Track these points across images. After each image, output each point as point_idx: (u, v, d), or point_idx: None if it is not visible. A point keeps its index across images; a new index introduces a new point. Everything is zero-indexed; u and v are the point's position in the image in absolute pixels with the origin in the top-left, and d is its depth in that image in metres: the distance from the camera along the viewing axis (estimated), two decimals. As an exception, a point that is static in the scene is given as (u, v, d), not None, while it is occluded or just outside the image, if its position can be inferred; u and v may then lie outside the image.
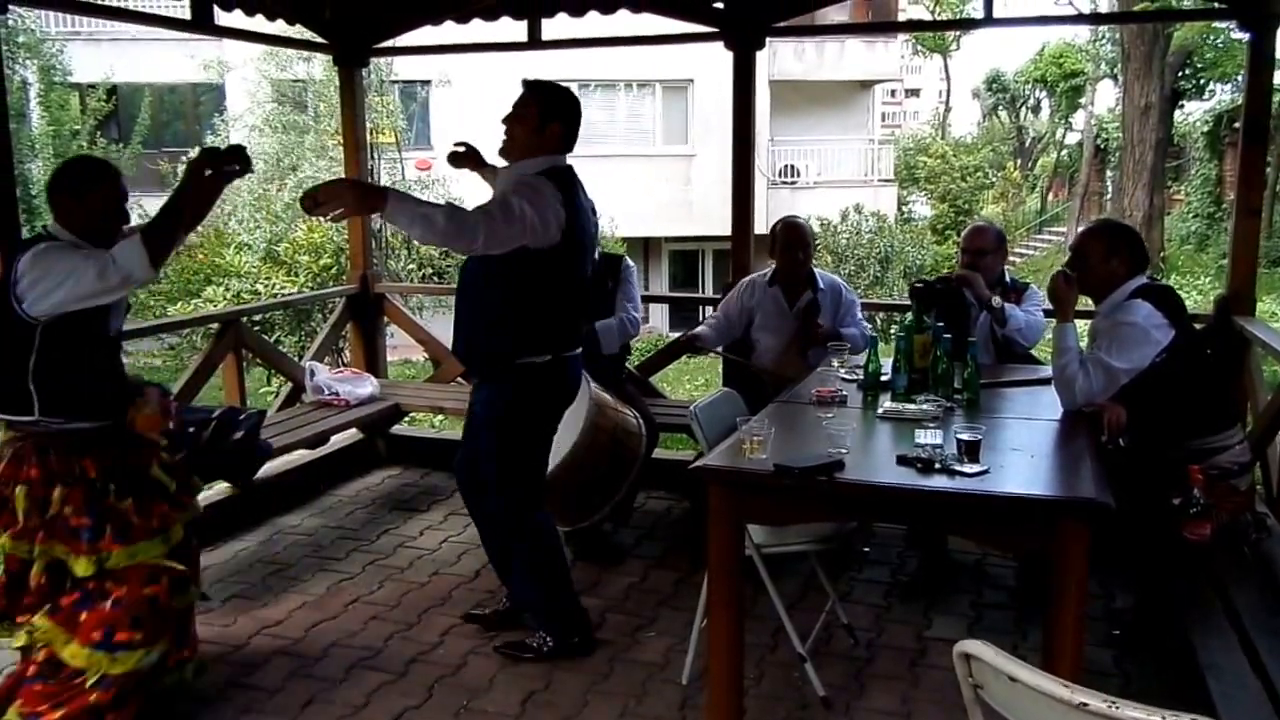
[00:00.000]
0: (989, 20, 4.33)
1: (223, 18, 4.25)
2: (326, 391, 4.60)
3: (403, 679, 2.85)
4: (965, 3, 24.43)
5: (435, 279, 10.45)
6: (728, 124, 4.56)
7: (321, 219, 3.06)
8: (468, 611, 3.19)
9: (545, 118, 2.76)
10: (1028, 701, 1.27)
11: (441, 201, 2.67)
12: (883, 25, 21.25)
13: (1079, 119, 26.37)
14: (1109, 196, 22.29)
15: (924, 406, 2.67)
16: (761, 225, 4.59)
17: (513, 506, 2.90)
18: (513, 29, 4.73)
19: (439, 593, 3.43)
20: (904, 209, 21.16)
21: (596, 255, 3.90)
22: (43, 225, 2.58)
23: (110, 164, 2.63)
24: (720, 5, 4.41)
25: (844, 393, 2.88)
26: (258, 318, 8.30)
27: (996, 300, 3.40)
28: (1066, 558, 2.01)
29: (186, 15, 4.16)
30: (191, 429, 3.52)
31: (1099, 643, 2.93)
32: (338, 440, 4.74)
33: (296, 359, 5.60)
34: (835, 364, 3.24)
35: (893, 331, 3.53)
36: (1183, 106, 19.58)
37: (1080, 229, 3.50)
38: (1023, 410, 2.82)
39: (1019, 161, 30.19)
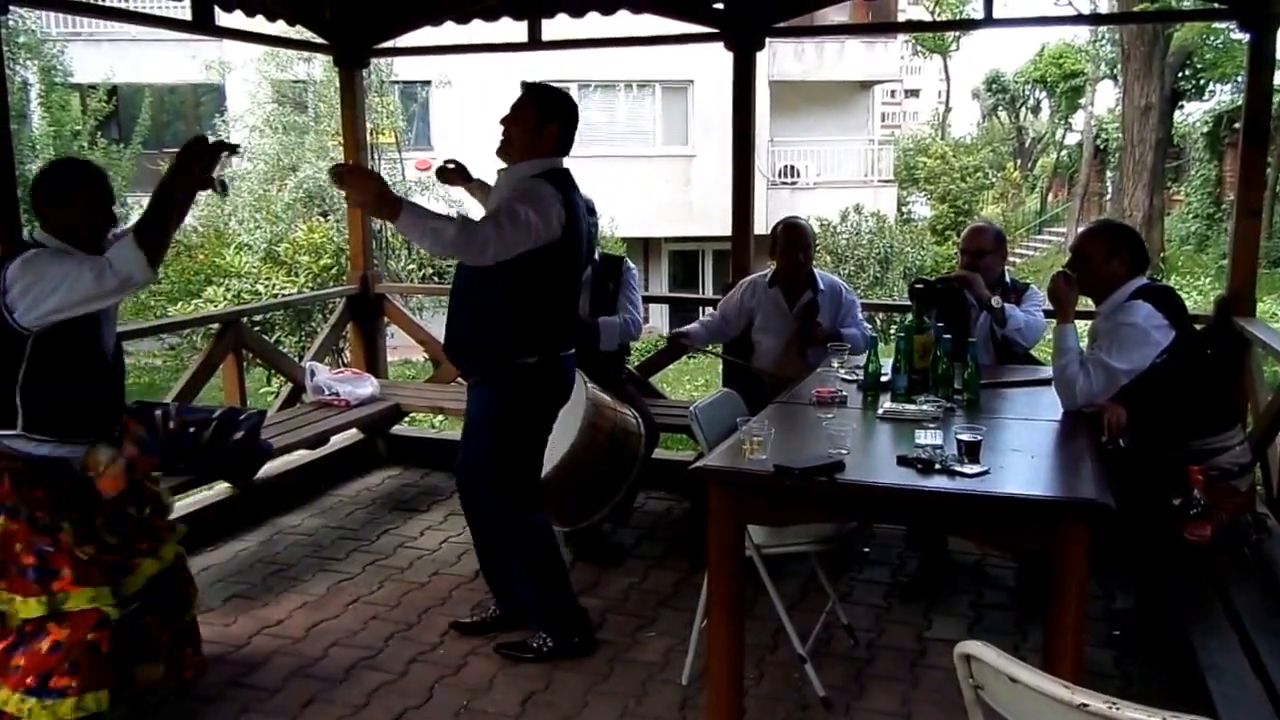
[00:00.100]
0: (989, 21, 4.33)
1: (223, 18, 4.25)
2: (327, 392, 4.61)
3: (403, 679, 2.85)
4: (965, 3, 24.42)
5: (435, 279, 10.45)
6: (727, 124, 4.56)
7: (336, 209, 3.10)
8: (455, 620, 3.16)
9: (543, 119, 2.78)
10: (1028, 702, 1.27)
11: (449, 211, 2.68)
12: (882, 26, 21.27)
13: (1079, 119, 26.39)
14: (1109, 197, 22.30)
15: (924, 407, 2.67)
16: (761, 226, 4.59)
17: (511, 506, 2.90)
18: (513, 29, 4.73)
19: (439, 593, 3.43)
20: (904, 209, 21.17)
21: (597, 256, 3.93)
22: (28, 233, 2.49)
23: (92, 165, 2.55)
24: (720, 6, 4.41)
25: (844, 393, 2.88)
26: (258, 318, 8.31)
27: (996, 300, 3.40)
28: (1067, 558, 2.01)
29: (187, 16, 4.17)
30: (192, 429, 3.54)
31: (1099, 643, 2.93)
32: (338, 440, 4.74)
33: (297, 359, 5.61)
34: (835, 364, 3.24)
35: (893, 332, 3.53)
36: (1182, 107, 19.59)
37: (1080, 230, 3.50)
38: (1023, 411, 2.82)
39: (1019, 162, 30.19)
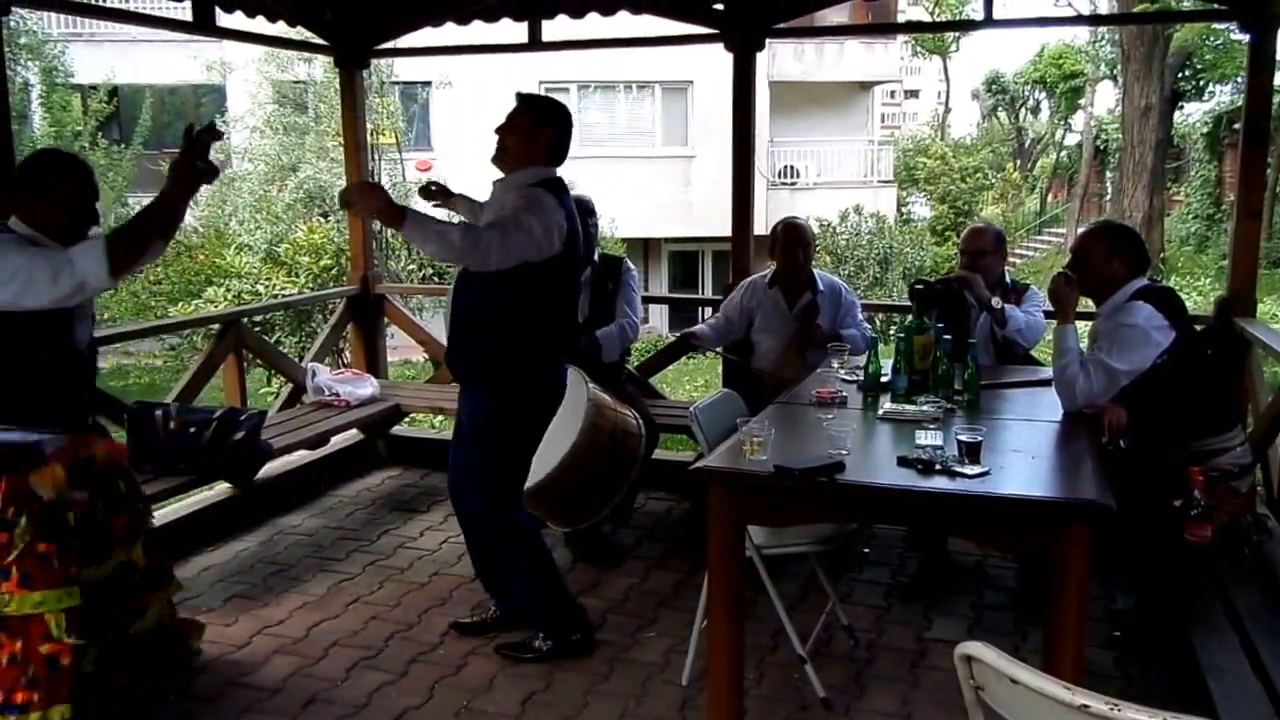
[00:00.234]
0: (989, 21, 4.33)
1: (224, 19, 4.26)
2: (327, 392, 4.61)
3: (403, 679, 2.85)
4: (964, 4, 24.43)
5: (435, 279, 10.45)
6: (727, 125, 4.57)
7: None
8: (455, 620, 3.17)
9: (537, 124, 2.82)
10: (1029, 703, 1.27)
11: (455, 219, 2.71)
12: (882, 26, 21.30)
13: (1078, 120, 26.40)
14: (1108, 198, 22.31)
15: (924, 408, 2.67)
16: (761, 226, 4.59)
17: (506, 507, 2.93)
18: (513, 30, 4.73)
19: (439, 593, 3.43)
20: (903, 210, 21.18)
21: (596, 257, 3.93)
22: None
23: (77, 159, 2.50)
24: (720, 7, 4.42)
25: (844, 394, 2.88)
26: (258, 318, 8.30)
27: (996, 301, 3.40)
28: (1067, 559, 2.01)
29: (188, 17, 4.17)
30: (192, 429, 3.54)
31: (1100, 644, 2.93)
32: (338, 441, 4.75)
33: (297, 360, 5.61)
34: (835, 365, 3.24)
35: (892, 333, 3.53)
36: (1182, 108, 19.59)
37: (1081, 230, 3.51)
38: (1023, 411, 2.82)
39: (1018, 163, 30.21)
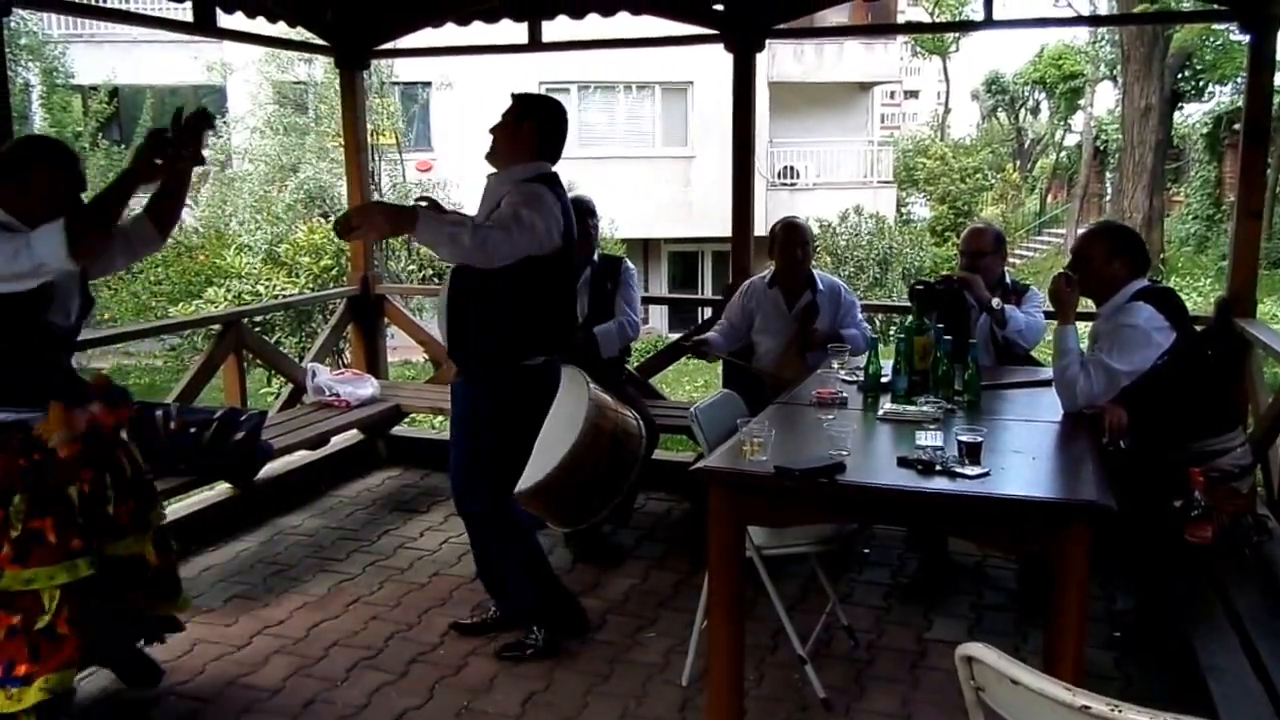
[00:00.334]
0: (988, 22, 4.33)
1: (224, 20, 4.26)
2: (327, 392, 4.61)
3: (403, 679, 2.85)
4: (964, 4, 24.44)
5: (435, 280, 10.45)
6: (727, 125, 4.57)
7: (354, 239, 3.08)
8: (455, 620, 3.17)
9: (520, 117, 2.85)
10: (1030, 704, 1.27)
11: (462, 217, 2.71)
12: (882, 27, 21.30)
13: (1078, 121, 26.39)
14: (1108, 198, 22.31)
15: (924, 408, 2.67)
16: (761, 227, 4.59)
17: (504, 505, 2.94)
18: (513, 31, 4.73)
19: (439, 593, 3.43)
20: (903, 210, 21.17)
21: (596, 257, 3.93)
22: None
23: (61, 145, 2.45)
24: (720, 7, 4.42)
25: (844, 394, 2.88)
26: (259, 319, 8.30)
27: (996, 302, 3.40)
28: (1068, 560, 2.00)
29: (189, 18, 4.17)
30: (193, 430, 3.54)
31: (1100, 645, 2.93)
32: (338, 441, 4.75)
33: (297, 360, 5.61)
34: (835, 366, 3.24)
35: (893, 333, 3.53)
36: (1182, 108, 19.60)
37: (1081, 231, 3.51)
38: (1023, 412, 2.82)
39: (1018, 163, 30.21)
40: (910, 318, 3.05)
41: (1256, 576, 2.56)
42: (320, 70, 12.40)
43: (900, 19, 20.99)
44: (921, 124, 37.13)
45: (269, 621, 3.22)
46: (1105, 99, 25.03)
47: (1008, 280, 3.61)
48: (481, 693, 2.77)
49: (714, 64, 6.54)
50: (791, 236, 3.85)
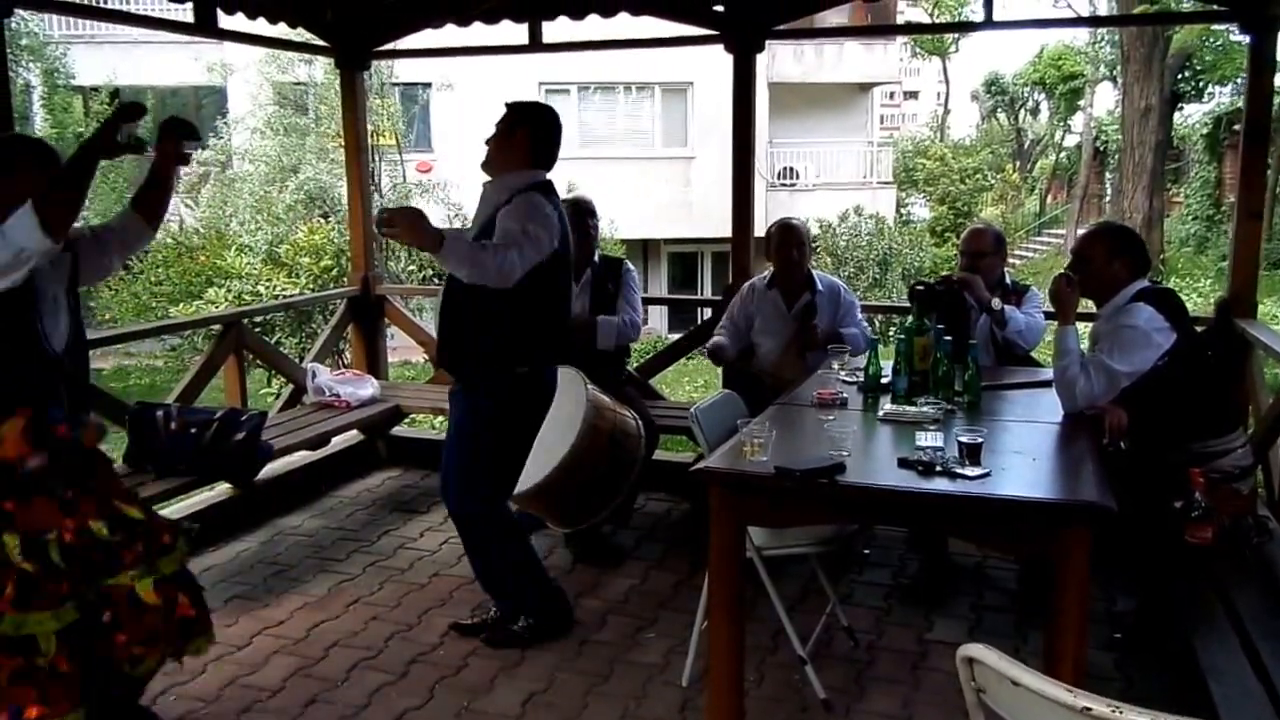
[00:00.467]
0: (988, 23, 4.33)
1: (225, 21, 4.26)
2: (327, 393, 4.61)
3: (403, 679, 2.85)
4: (964, 5, 24.45)
5: (435, 280, 10.45)
6: (727, 126, 4.57)
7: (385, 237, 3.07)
8: (455, 621, 3.17)
9: (513, 125, 2.89)
10: (1030, 706, 1.27)
11: (484, 242, 2.72)
12: (881, 28, 21.23)
13: (1078, 121, 26.40)
14: (1108, 199, 22.32)
15: (924, 409, 2.67)
16: (761, 227, 4.59)
17: (501, 508, 3.00)
18: (513, 32, 4.74)
19: (439, 594, 3.43)
20: (903, 211, 21.17)
21: (596, 258, 3.94)
22: None
23: (47, 144, 2.39)
24: (720, 8, 4.42)
25: (844, 395, 2.88)
26: (259, 319, 8.30)
27: (996, 302, 3.41)
28: (1068, 561, 2.00)
29: (189, 19, 4.18)
30: (193, 430, 3.54)
31: (1100, 646, 2.93)
32: (338, 442, 4.75)
33: (297, 360, 5.61)
34: (835, 366, 3.24)
35: (892, 334, 3.54)
36: (1182, 109, 19.60)
37: (1081, 232, 3.51)
38: (1024, 413, 2.82)
39: (1018, 164, 30.22)
40: (910, 318, 3.05)
41: (1257, 577, 2.56)
42: (320, 71, 12.40)
43: (900, 20, 20.99)
44: (921, 125, 37.15)
45: (269, 622, 3.22)
46: (1105, 100, 25.08)
47: (1008, 281, 3.61)
48: (481, 693, 2.77)
49: (714, 65, 6.54)
50: (787, 237, 3.85)
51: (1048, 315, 3.40)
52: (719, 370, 4.16)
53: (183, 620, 2.37)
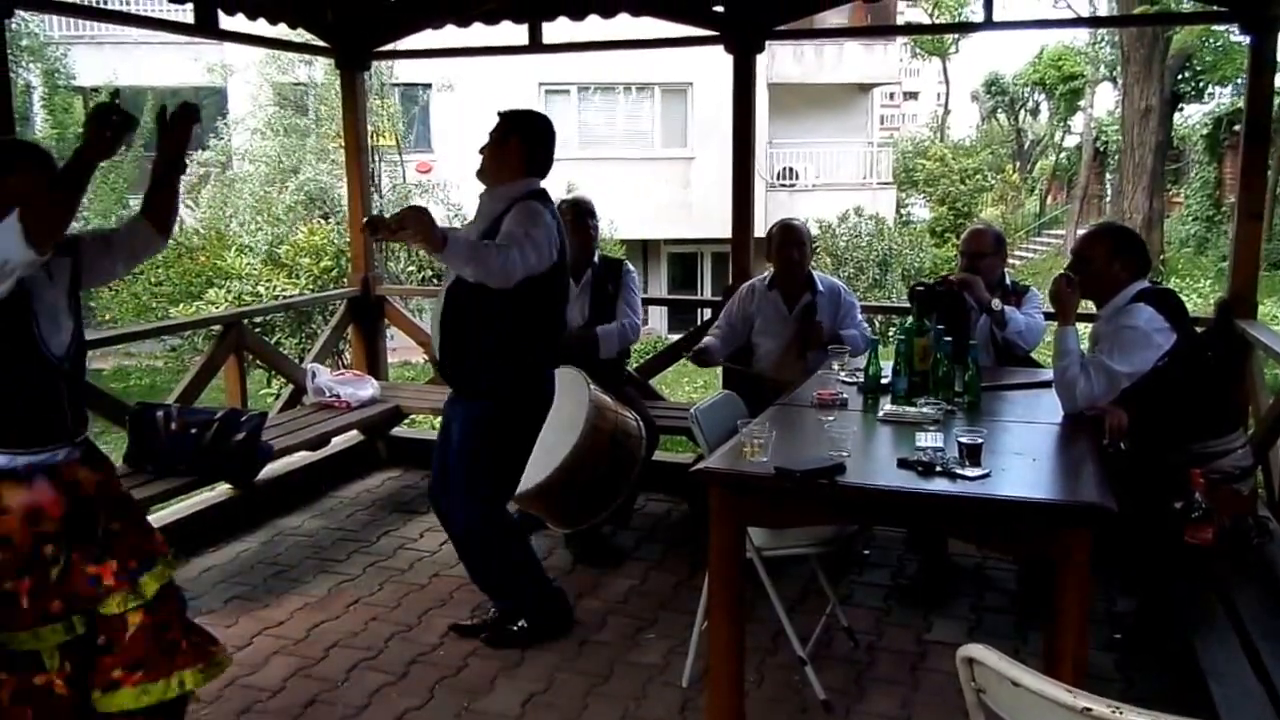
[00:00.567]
0: (988, 23, 4.33)
1: (225, 22, 4.26)
2: (327, 393, 4.61)
3: (404, 680, 2.85)
4: (964, 6, 24.45)
5: (435, 281, 10.45)
6: (727, 127, 4.57)
7: (387, 238, 3.01)
8: (455, 621, 3.18)
9: (505, 133, 2.90)
10: (1031, 706, 1.27)
11: (486, 241, 2.73)
12: (881, 28, 21.20)
13: (1078, 122, 26.40)
14: (1108, 199, 22.33)
15: (925, 410, 2.67)
16: (761, 228, 4.59)
17: (502, 512, 3.00)
18: (514, 32, 4.74)
19: (439, 594, 3.43)
20: (903, 212, 21.16)
21: (596, 258, 3.94)
22: None
23: (40, 148, 2.33)
24: (720, 9, 4.42)
25: (844, 396, 2.88)
26: (259, 320, 8.29)
27: (996, 303, 3.40)
28: (1068, 561, 2.01)
29: (190, 19, 4.18)
30: (193, 430, 3.54)
31: (1100, 647, 2.93)
32: (339, 442, 4.75)
33: (297, 361, 5.61)
34: (835, 367, 3.24)
35: (892, 335, 3.54)
36: (1182, 109, 19.61)
37: (1081, 232, 3.51)
38: (1024, 413, 2.82)
39: (1018, 164, 30.21)
40: (910, 319, 3.05)
41: (1257, 578, 2.56)
42: (320, 72, 12.39)
43: (900, 20, 20.98)
44: (921, 125, 37.15)
45: (269, 622, 3.22)
46: (1105, 100, 25.08)
47: (1007, 281, 3.61)
48: (481, 693, 2.77)
49: (714, 65, 6.54)
50: (788, 238, 3.85)
51: (1048, 316, 3.40)
52: (719, 371, 4.16)
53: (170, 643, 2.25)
